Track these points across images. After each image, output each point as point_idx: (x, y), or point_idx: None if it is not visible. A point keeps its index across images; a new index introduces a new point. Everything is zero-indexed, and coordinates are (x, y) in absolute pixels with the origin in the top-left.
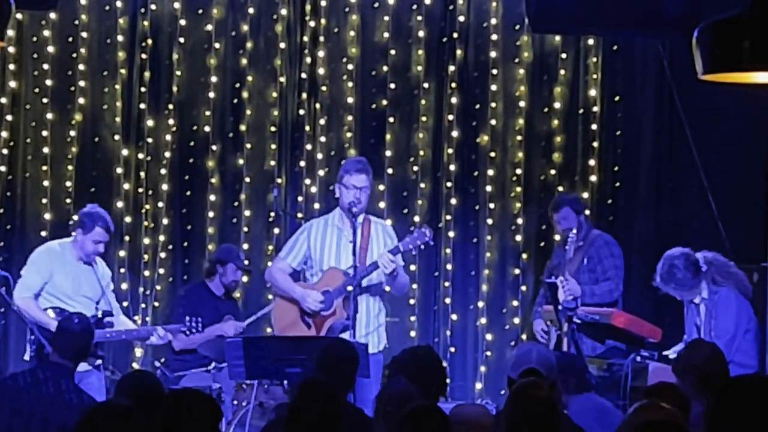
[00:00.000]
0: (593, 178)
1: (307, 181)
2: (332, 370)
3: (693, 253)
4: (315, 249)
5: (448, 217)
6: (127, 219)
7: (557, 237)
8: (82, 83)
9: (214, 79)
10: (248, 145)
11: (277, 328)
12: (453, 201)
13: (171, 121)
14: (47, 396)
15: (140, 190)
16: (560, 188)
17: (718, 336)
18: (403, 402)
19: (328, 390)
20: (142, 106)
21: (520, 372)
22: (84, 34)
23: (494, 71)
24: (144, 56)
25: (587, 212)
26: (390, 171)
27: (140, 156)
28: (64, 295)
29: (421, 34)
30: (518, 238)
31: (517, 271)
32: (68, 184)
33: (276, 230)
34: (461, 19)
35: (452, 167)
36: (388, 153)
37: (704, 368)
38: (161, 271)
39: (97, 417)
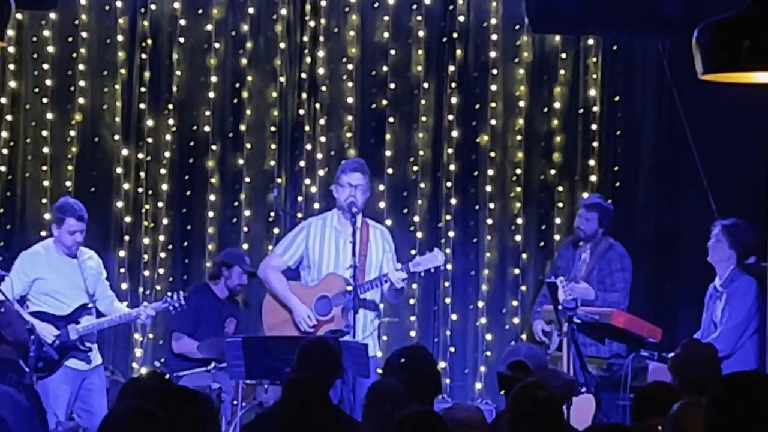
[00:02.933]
0: (593, 178)
1: (307, 181)
2: (311, 369)
3: (755, 248)
4: (313, 251)
5: (448, 217)
6: (127, 219)
7: (557, 237)
8: (82, 83)
9: (214, 79)
10: (248, 145)
11: (266, 323)
12: (453, 201)
13: (171, 121)
14: None
15: (140, 190)
16: (560, 188)
17: (728, 320)
18: (394, 402)
19: (312, 387)
20: (142, 106)
21: (507, 364)
22: (84, 34)
23: (494, 71)
24: (144, 56)
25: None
26: (390, 171)
27: (140, 156)
28: (56, 293)
29: (421, 34)
30: (518, 238)
31: (517, 271)
32: (68, 184)
33: (276, 230)
34: (461, 19)
35: (452, 167)
36: (388, 153)
37: (698, 369)
38: (161, 271)
39: (121, 421)
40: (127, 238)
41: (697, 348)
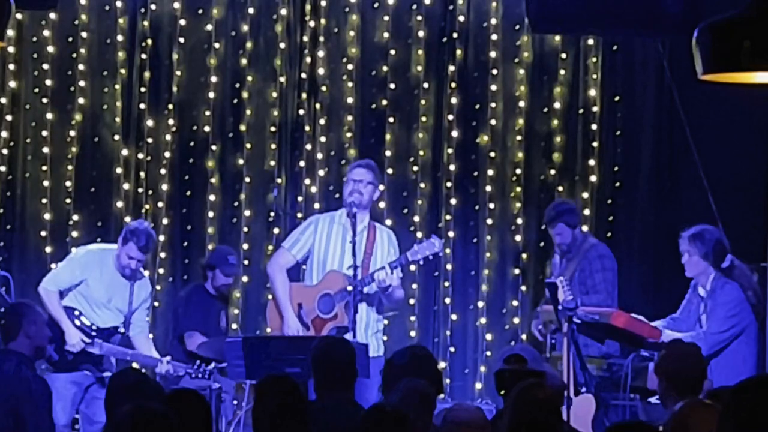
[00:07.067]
0: (593, 178)
1: (307, 181)
2: (325, 370)
3: (728, 248)
4: (319, 246)
5: (448, 217)
6: (127, 219)
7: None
8: (82, 83)
9: (214, 79)
10: (248, 145)
11: (271, 325)
12: (453, 201)
13: (171, 121)
14: None
15: (140, 190)
16: (560, 188)
17: (710, 327)
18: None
19: (287, 384)
20: (142, 106)
21: (504, 358)
22: (84, 34)
23: (494, 71)
24: (144, 56)
25: (586, 215)
26: (390, 171)
27: (140, 156)
28: (93, 301)
29: (421, 34)
30: (518, 238)
31: (517, 271)
32: (68, 184)
33: (276, 230)
34: (461, 19)
35: (452, 167)
36: (388, 153)
37: (687, 370)
38: (161, 271)
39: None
40: None
41: (684, 348)
